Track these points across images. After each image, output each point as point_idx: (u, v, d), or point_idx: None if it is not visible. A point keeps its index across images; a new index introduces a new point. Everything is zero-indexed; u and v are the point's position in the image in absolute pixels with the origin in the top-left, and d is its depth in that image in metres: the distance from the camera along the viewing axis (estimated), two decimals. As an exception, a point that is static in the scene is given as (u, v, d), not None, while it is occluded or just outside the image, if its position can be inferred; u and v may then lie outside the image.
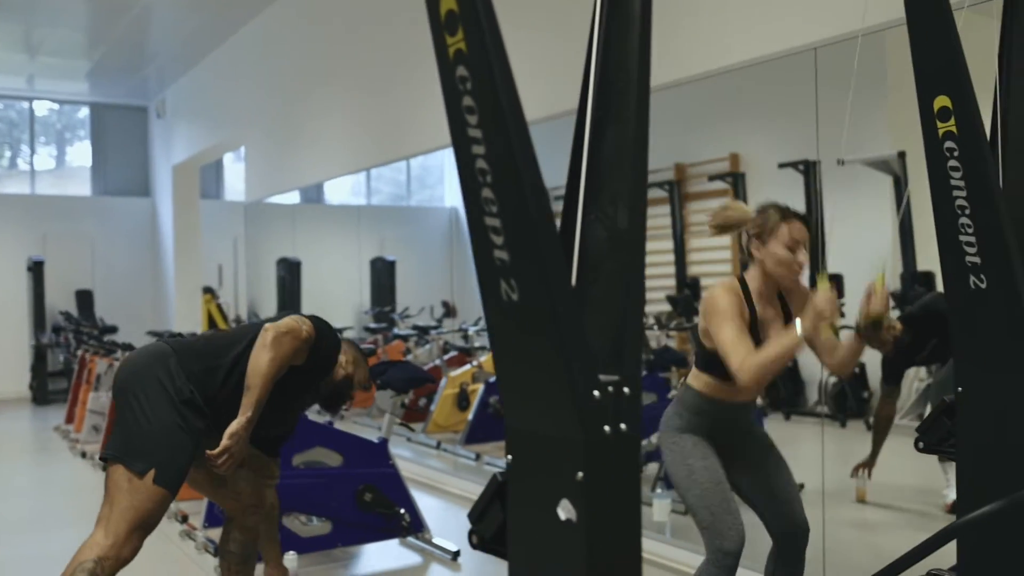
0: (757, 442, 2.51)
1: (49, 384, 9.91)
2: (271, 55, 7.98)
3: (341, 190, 9.49)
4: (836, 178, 5.16)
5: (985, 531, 1.90)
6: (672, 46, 3.81)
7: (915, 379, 6.02)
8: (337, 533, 3.78)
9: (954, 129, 1.92)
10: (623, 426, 1.22)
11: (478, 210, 1.25)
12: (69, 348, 9.08)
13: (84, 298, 10.79)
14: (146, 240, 11.28)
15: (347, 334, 7.67)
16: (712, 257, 6.48)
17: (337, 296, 8.43)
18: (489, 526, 1.37)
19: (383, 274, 8.06)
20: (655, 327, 5.34)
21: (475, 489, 5.14)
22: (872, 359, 5.94)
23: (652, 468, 4.53)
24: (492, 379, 5.81)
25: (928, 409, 5.56)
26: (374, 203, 9.44)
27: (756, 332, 2.35)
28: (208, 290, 9.96)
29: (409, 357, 6.98)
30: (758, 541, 2.48)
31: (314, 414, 5.06)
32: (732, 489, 2.40)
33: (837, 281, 5.34)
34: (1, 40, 8.67)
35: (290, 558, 3.52)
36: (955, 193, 1.93)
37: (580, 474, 1.19)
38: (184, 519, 4.43)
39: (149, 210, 11.38)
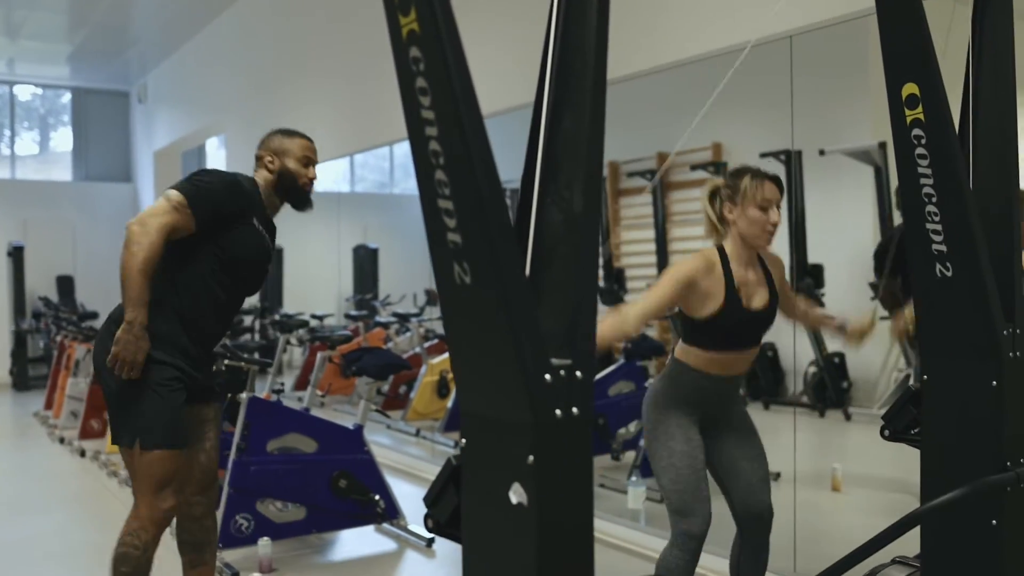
0: (740, 423, 2.49)
1: (29, 370, 9.85)
2: (252, 41, 7.91)
3: (324, 177, 9.42)
4: (817, 168, 5.16)
5: (949, 517, 1.91)
6: (650, 34, 3.79)
7: (893, 369, 6.07)
8: (312, 519, 3.78)
9: (922, 117, 1.92)
10: (575, 410, 1.22)
11: (431, 192, 1.24)
12: (49, 334, 9.02)
13: (65, 284, 10.71)
14: (127, 226, 11.21)
15: (328, 321, 7.65)
16: (694, 247, 6.48)
17: (319, 283, 8.40)
18: (444, 510, 1.36)
19: (366, 261, 8.03)
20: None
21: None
22: (851, 351, 5.97)
23: (629, 456, 4.55)
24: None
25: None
26: (357, 191, 9.39)
27: (736, 296, 2.33)
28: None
29: (390, 345, 6.97)
30: (723, 527, 2.49)
31: (292, 401, 5.04)
32: (706, 466, 2.39)
33: (817, 270, 5.36)
34: (-20, 22, 8.57)
35: (264, 544, 3.52)
36: (922, 181, 1.93)
37: (531, 458, 1.18)
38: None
39: (130, 196, 11.29)
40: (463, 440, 1.30)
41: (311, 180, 2.66)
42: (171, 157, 10.23)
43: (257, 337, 8.32)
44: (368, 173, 9.70)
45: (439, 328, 6.71)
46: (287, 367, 7.76)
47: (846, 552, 1.90)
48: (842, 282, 5.89)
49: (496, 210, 1.18)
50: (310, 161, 2.66)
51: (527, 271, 1.29)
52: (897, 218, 5.55)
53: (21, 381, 9.78)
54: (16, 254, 9.98)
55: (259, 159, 2.63)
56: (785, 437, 4.28)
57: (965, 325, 1.93)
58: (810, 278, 5.46)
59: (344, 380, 6.04)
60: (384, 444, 5.77)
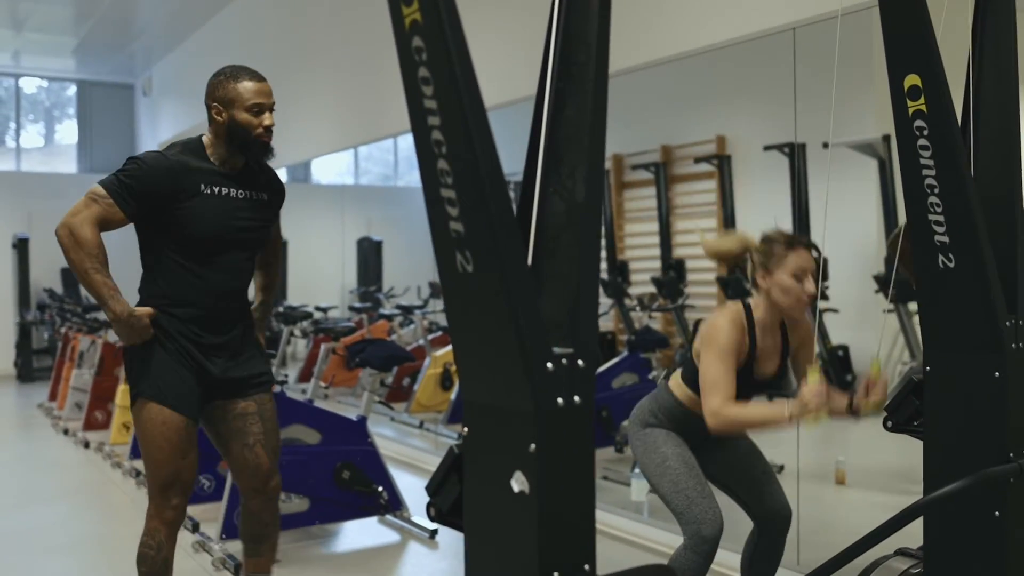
0: (730, 440, 2.47)
1: (34, 361, 9.89)
2: (257, 33, 7.91)
3: (329, 170, 9.44)
4: (821, 161, 5.15)
5: (952, 508, 1.92)
6: (653, 27, 3.79)
7: (898, 362, 6.06)
8: (315, 511, 3.79)
9: (924, 108, 1.91)
10: (576, 398, 1.22)
11: (434, 182, 1.24)
12: (54, 326, 9.05)
13: (69, 276, 10.73)
14: (132, 218, 11.23)
15: (332, 314, 7.67)
16: (696, 239, 6.48)
17: (323, 276, 8.41)
18: (446, 498, 1.37)
19: (370, 254, 8.05)
20: (638, 308, 5.35)
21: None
22: (855, 342, 5.98)
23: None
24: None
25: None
26: (362, 183, 9.39)
27: (752, 362, 2.31)
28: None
29: (393, 337, 6.98)
30: (736, 523, 2.49)
31: (296, 393, 5.06)
32: (707, 479, 2.37)
33: (822, 264, 5.34)
34: (-15, 15, 8.59)
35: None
36: (924, 172, 1.93)
37: (533, 446, 1.18)
38: (196, 528, 4.38)
39: (136, 188, 11.32)
40: (465, 428, 1.31)
41: (266, 128, 2.38)
42: (175, 149, 10.25)
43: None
44: (372, 166, 9.70)
45: (443, 320, 6.72)
46: (291, 359, 7.78)
47: (850, 544, 1.91)
48: (846, 275, 5.89)
49: (498, 199, 1.18)
50: (262, 107, 2.37)
51: (529, 260, 1.29)
52: (901, 211, 5.53)
53: (25, 373, 9.82)
54: (21, 246, 10.01)
55: (208, 109, 2.40)
56: (789, 430, 4.29)
57: (967, 316, 1.93)
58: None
59: (348, 372, 6.05)
60: (388, 436, 5.79)
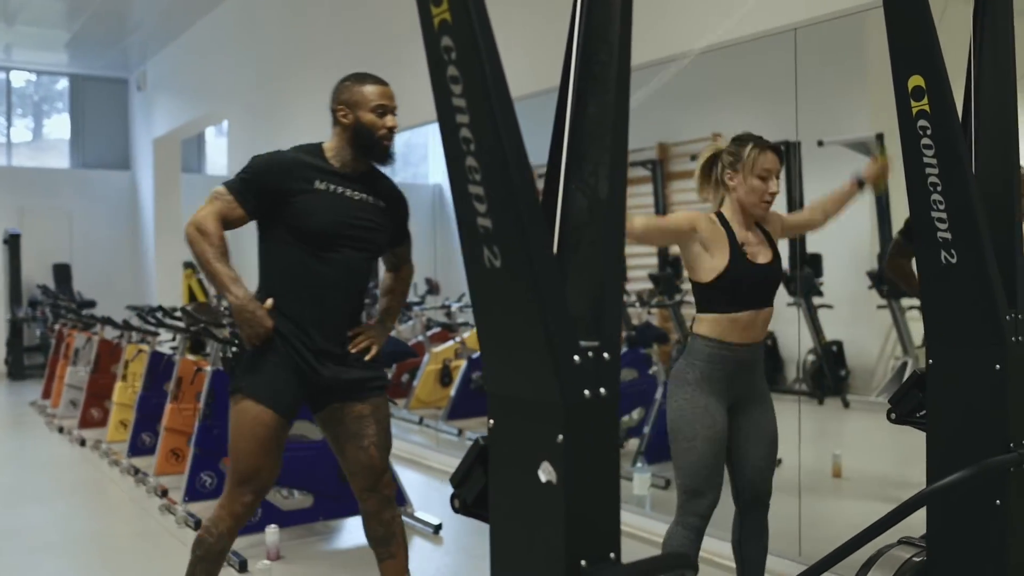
0: (762, 401, 2.50)
1: (25, 359, 9.85)
2: (254, 28, 7.90)
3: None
4: (816, 159, 5.21)
5: (954, 498, 1.96)
6: (652, 27, 3.82)
7: (891, 357, 6.13)
8: (319, 507, 3.82)
9: (927, 108, 1.96)
10: (602, 390, 1.25)
11: (462, 178, 1.27)
12: (46, 323, 9.02)
13: (61, 272, 10.70)
14: (126, 214, 11.19)
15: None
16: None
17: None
18: (471, 490, 1.40)
19: (365, 251, 8.04)
20: (637, 304, 5.39)
21: (457, 464, 5.19)
22: (850, 337, 6.04)
23: (633, 444, 4.60)
24: (475, 355, 5.84)
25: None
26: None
27: (740, 250, 2.39)
28: (189, 265, 9.91)
29: (392, 333, 6.99)
30: (722, 509, 2.53)
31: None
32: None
33: (816, 259, 5.41)
34: (-24, 9, 8.54)
35: (271, 531, 3.56)
36: (928, 171, 1.98)
37: (560, 437, 1.22)
38: (164, 493, 4.45)
39: (129, 183, 11.28)
40: (491, 421, 1.34)
41: (389, 130, 2.44)
42: (171, 145, 10.22)
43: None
44: (367, 162, 9.70)
45: (440, 317, 6.74)
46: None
47: (849, 536, 1.95)
48: (840, 270, 5.95)
49: (527, 195, 1.21)
50: (386, 109, 2.45)
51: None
52: (894, 208, 5.61)
53: (17, 370, 9.78)
54: (12, 242, 9.97)
55: (332, 113, 2.46)
56: (784, 424, 4.34)
57: (969, 310, 1.97)
58: (809, 267, 5.52)
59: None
60: (386, 432, 5.80)
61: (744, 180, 2.41)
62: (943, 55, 1.95)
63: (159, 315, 5.92)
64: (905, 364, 5.84)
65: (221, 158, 10.81)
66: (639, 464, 4.07)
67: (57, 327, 7.62)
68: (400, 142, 8.83)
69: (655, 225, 2.50)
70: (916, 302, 5.84)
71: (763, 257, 2.44)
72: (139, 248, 10.96)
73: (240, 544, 3.61)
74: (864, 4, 3.01)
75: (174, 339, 5.27)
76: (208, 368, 4.16)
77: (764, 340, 2.48)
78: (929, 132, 1.96)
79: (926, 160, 1.97)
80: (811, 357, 5.56)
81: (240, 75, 8.13)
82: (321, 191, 2.38)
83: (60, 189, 10.91)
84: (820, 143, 5.33)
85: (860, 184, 2.66)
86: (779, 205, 5.67)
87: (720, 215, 2.45)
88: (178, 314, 5.58)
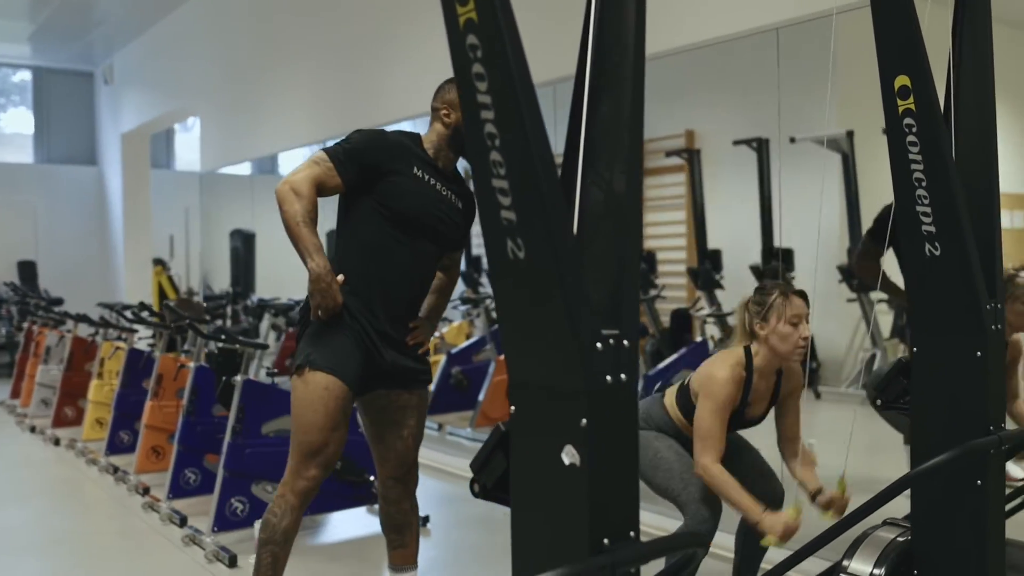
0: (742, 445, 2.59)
1: (-9, 358, 9.65)
2: (225, 23, 7.83)
3: (297, 162, 9.39)
4: (788, 156, 5.33)
5: (937, 479, 2.06)
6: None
7: (859, 349, 6.29)
8: (306, 500, 3.82)
9: (913, 106, 2.05)
10: (623, 376, 1.31)
11: (486, 172, 1.32)
12: (11, 321, 8.85)
13: (27, 269, 10.50)
14: (93, 210, 11.00)
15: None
16: (667, 232, 6.63)
17: (293, 268, 8.32)
18: (491, 475, 1.45)
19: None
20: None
21: (439, 458, 5.21)
22: (820, 331, 6.19)
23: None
24: (454, 350, 5.87)
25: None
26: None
27: (744, 407, 2.44)
28: (159, 261, 9.80)
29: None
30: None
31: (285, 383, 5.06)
32: None
33: (788, 255, 5.53)
34: (-63, 0, 8.34)
35: (259, 526, 3.56)
36: (913, 167, 2.06)
37: (584, 421, 1.27)
38: (146, 491, 4.42)
39: (95, 178, 11.09)
40: (512, 407, 1.39)
41: None
42: (140, 140, 10.08)
43: (230, 323, 8.27)
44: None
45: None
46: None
47: (828, 521, 2.04)
48: (811, 265, 6.09)
49: (551, 189, 1.26)
50: None
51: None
52: (864, 203, 5.76)
53: (-18, 369, 9.58)
54: (-25, 239, 9.77)
55: (435, 111, 2.48)
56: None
57: (952, 300, 2.07)
58: (780, 262, 5.65)
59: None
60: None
61: (774, 328, 2.40)
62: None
63: (142, 312, 5.86)
64: (874, 356, 6.00)
65: (190, 153, 10.68)
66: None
67: (26, 325, 7.48)
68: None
69: (722, 440, 2.37)
70: (885, 296, 6.02)
71: (758, 409, 2.50)
72: (107, 244, 10.80)
73: (229, 539, 3.61)
74: (854, 3, 3.10)
75: (154, 336, 5.23)
76: (191, 364, 4.14)
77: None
78: (914, 130, 2.04)
79: (911, 157, 2.06)
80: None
81: (212, 69, 8.06)
82: (417, 177, 2.39)
83: (24, 184, 10.70)
84: (792, 140, 5.44)
85: (813, 497, 2.47)
86: (752, 205, 5.74)
87: (748, 354, 2.44)
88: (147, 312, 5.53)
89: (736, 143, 5.87)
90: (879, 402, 2.20)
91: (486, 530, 3.82)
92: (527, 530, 1.38)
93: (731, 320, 5.05)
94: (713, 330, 5.62)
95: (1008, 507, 2.20)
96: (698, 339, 5.57)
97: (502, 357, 5.56)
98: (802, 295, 2.46)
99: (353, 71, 5.90)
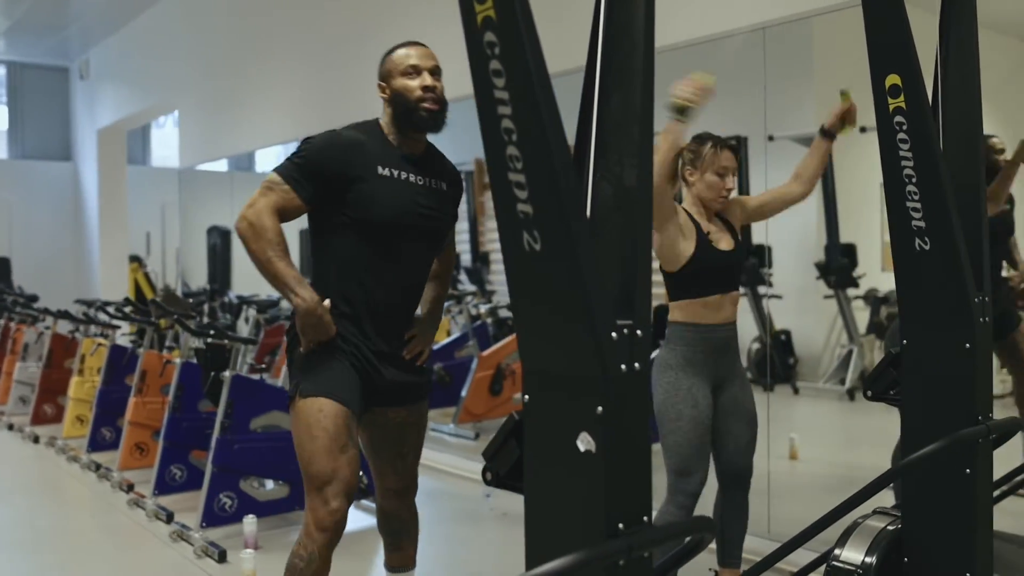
0: (741, 381, 2.65)
1: (-37, 356, 9.48)
2: (206, 16, 7.76)
3: (274, 159, 9.34)
4: (767, 153, 5.40)
5: (927, 468, 2.11)
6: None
7: (836, 345, 6.39)
8: (295, 496, 3.83)
9: (903, 104, 2.10)
10: (636, 365, 1.34)
11: (502, 167, 1.34)
12: (-14, 318, 8.69)
13: (1, 265, 10.35)
14: (68, 206, 10.86)
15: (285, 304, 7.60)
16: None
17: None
18: (504, 463, 1.47)
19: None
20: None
21: (424, 453, 5.21)
22: (798, 327, 6.28)
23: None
24: (436, 347, 5.88)
25: (850, 372, 5.92)
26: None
27: (706, 237, 2.55)
28: (135, 259, 9.70)
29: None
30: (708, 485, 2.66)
31: (271, 378, 5.05)
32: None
33: (764, 252, 5.60)
34: (-93, -8, 8.19)
35: (249, 521, 3.56)
36: (903, 164, 2.12)
37: (600, 408, 1.30)
38: (130, 488, 4.39)
39: (71, 174, 10.95)
40: (526, 396, 1.41)
41: (424, 89, 2.18)
42: (116, 135, 9.96)
43: (207, 320, 8.21)
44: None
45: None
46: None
47: (813, 512, 2.09)
48: (788, 261, 6.18)
49: (568, 182, 1.29)
50: (417, 68, 2.19)
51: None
52: (841, 201, 5.85)
53: (-46, 368, 9.41)
54: (-53, 235, 9.60)
55: (380, 93, 2.26)
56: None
57: (941, 294, 2.12)
58: (756, 258, 5.73)
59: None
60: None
61: (702, 176, 2.57)
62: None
63: (126, 308, 5.80)
64: (851, 352, 6.11)
65: (166, 149, 10.58)
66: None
67: (2, 322, 7.37)
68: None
69: (664, 189, 2.44)
70: (861, 292, 6.12)
71: (725, 244, 2.61)
72: (83, 241, 10.66)
73: (218, 535, 3.60)
74: (833, 5, 3.16)
75: (137, 333, 5.19)
76: (177, 360, 4.12)
77: (735, 321, 2.63)
78: (905, 127, 2.09)
79: (902, 153, 2.11)
80: (756, 345, 5.76)
81: (191, 65, 7.99)
82: (384, 177, 2.18)
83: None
84: (771, 138, 5.52)
85: (828, 135, 2.70)
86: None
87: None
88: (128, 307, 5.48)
89: (717, 141, 5.93)
90: (869, 393, 2.25)
91: (470, 525, 3.84)
92: (542, 516, 1.40)
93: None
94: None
95: (995, 493, 2.26)
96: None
97: (484, 353, 5.56)
98: (733, 149, 2.61)
99: (333, 67, 5.89)
